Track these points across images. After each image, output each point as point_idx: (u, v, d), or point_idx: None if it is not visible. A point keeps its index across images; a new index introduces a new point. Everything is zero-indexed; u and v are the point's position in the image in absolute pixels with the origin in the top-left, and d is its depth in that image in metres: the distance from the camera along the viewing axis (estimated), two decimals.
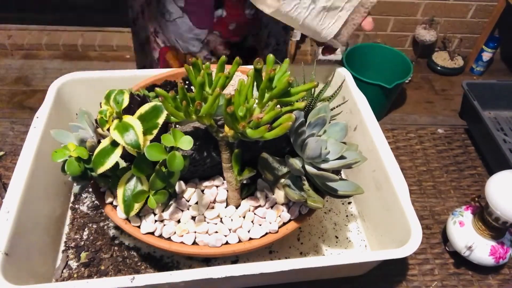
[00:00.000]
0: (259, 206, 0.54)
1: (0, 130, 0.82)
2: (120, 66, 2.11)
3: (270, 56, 0.48)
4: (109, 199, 0.53)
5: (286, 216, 0.53)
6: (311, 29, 0.60)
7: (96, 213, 0.67)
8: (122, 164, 0.51)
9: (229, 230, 0.52)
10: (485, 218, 0.64)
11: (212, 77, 0.48)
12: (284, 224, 0.53)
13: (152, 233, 0.51)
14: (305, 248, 0.65)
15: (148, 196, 0.49)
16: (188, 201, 0.53)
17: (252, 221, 0.53)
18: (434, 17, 2.07)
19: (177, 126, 0.55)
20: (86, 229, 0.65)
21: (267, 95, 0.46)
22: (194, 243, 0.51)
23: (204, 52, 0.81)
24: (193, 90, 0.46)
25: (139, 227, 0.51)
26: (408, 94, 2.08)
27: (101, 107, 0.49)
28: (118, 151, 0.46)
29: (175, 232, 0.51)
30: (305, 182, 0.53)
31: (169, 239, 0.51)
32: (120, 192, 0.49)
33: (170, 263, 0.62)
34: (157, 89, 0.45)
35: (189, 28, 0.77)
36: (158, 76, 0.68)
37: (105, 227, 0.65)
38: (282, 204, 0.54)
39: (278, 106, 0.47)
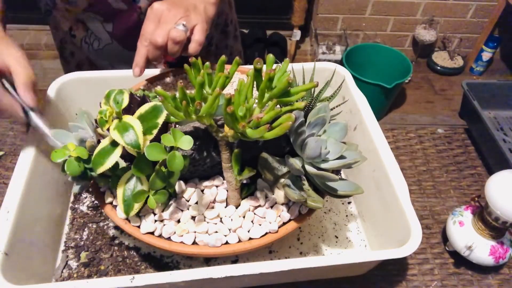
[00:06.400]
0: (259, 206, 0.54)
1: (0, 130, 0.82)
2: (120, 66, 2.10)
3: (270, 56, 0.48)
4: (109, 199, 0.53)
5: (286, 216, 0.53)
6: None
7: (96, 213, 0.67)
8: (122, 164, 0.51)
9: (229, 230, 0.51)
10: (485, 218, 0.64)
11: (212, 77, 0.48)
12: (284, 224, 0.53)
13: (152, 233, 0.51)
14: (305, 248, 0.65)
15: (148, 196, 0.49)
16: (188, 201, 0.53)
17: (252, 221, 0.53)
18: (434, 17, 2.07)
19: (177, 126, 0.55)
20: (86, 229, 0.65)
21: (267, 95, 0.46)
22: (194, 243, 0.51)
23: None
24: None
25: (139, 227, 0.51)
26: (408, 94, 2.08)
27: (101, 107, 0.48)
28: (118, 151, 0.46)
29: (175, 232, 0.51)
30: (305, 182, 0.53)
31: (169, 239, 0.51)
32: (120, 192, 0.49)
33: (170, 263, 0.62)
34: (157, 89, 0.45)
35: None
36: (159, 75, 0.69)
37: (105, 227, 0.65)
38: (282, 204, 0.53)
39: (278, 106, 0.46)
